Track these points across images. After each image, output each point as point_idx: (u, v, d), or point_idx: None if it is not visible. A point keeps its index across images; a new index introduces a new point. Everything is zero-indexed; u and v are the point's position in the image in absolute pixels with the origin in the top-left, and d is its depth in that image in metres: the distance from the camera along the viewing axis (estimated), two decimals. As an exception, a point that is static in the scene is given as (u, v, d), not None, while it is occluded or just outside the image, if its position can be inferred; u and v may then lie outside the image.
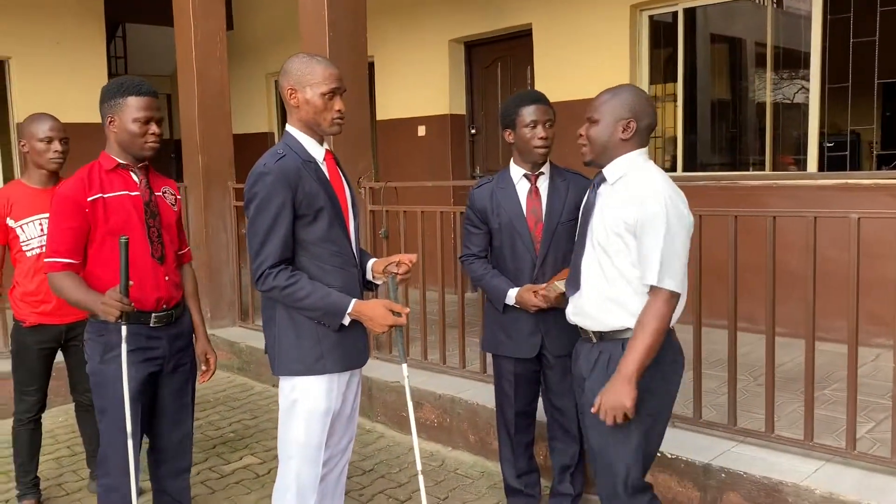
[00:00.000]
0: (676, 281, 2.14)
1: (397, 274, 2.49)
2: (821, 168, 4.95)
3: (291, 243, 2.35)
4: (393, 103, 7.43)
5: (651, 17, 5.71)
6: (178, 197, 2.81)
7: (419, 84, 7.13)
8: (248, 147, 7.28)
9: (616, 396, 2.12)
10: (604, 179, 2.29)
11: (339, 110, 2.41)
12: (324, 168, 2.43)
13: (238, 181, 5.98)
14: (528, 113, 2.89)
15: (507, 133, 2.98)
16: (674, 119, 5.64)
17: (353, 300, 2.36)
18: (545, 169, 2.99)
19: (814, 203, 3.58)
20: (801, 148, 4.94)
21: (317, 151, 2.44)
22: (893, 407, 2.78)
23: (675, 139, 5.67)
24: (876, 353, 4.45)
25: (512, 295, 2.93)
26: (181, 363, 2.70)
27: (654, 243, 2.13)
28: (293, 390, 2.42)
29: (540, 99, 2.95)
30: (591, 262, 2.27)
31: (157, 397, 2.67)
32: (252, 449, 4.15)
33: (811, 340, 2.95)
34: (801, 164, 5.06)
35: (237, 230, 5.76)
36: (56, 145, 3.20)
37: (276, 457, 3.98)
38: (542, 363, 3.02)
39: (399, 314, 2.35)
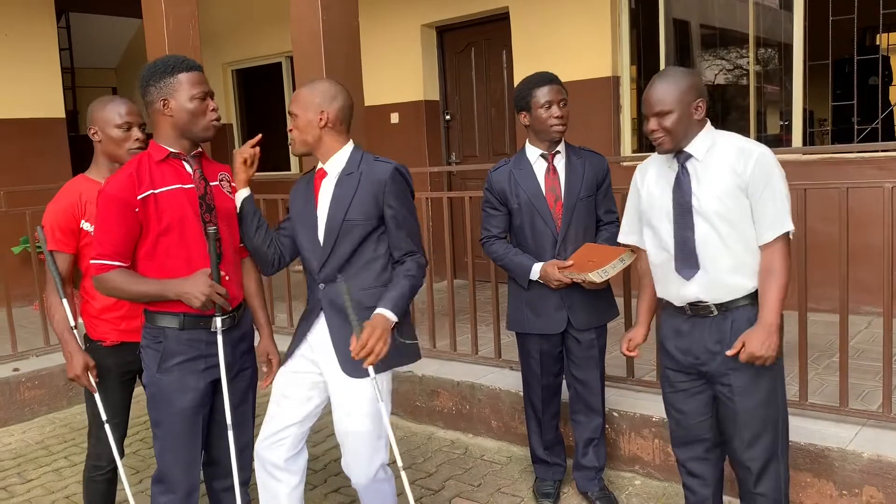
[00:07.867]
0: (791, 221, 2.22)
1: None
2: (804, 143, 5.09)
3: None
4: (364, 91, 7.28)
5: (630, -1, 5.77)
6: None
7: (391, 71, 7.02)
8: (213, 139, 7.03)
9: (765, 345, 2.17)
10: (689, 157, 2.29)
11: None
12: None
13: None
14: (543, 94, 2.94)
15: (523, 115, 3.02)
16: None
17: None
18: (560, 148, 3.04)
19: (801, 177, 3.66)
20: (786, 126, 5.06)
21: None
22: None
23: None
24: (868, 321, 4.62)
25: (536, 269, 2.97)
26: (244, 368, 2.49)
27: (779, 189, 2.20)
28: None
29: (553, 80, 3.00)
30: (708, 238, 2.24)
31: (214, 406, 2.45)
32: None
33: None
34: (786, 142, 5.20)
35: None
36: (136, 132, 2.67)
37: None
38: (566, 338, 3.08)
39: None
